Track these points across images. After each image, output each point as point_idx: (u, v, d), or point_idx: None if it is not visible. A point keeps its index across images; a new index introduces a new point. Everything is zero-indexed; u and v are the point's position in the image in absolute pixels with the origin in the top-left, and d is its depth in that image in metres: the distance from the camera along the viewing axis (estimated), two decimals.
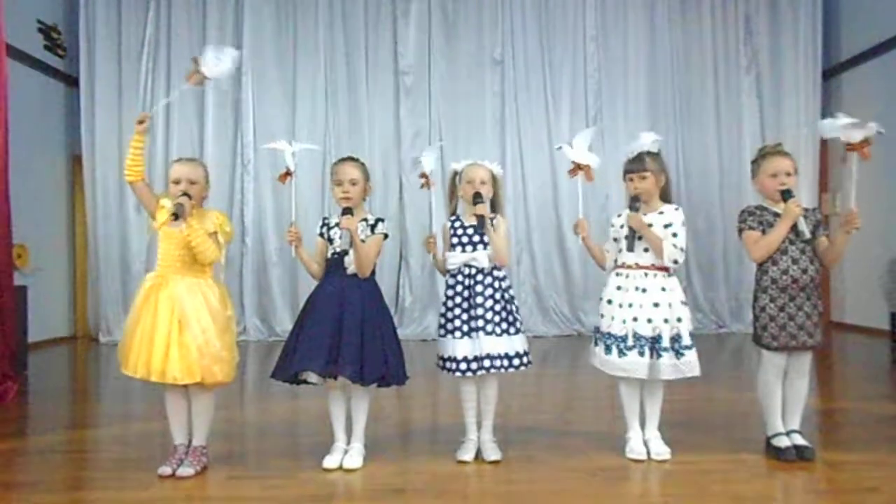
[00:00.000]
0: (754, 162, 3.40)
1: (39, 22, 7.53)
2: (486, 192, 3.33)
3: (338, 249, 3.24)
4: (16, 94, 5.56)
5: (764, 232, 3.26)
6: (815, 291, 3.27)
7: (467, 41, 8.15)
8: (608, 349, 3.30)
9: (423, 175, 3.51)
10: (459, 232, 3.37)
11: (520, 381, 4.93)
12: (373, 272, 3.30)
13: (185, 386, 3.14)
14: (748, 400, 4.11)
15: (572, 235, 7.95)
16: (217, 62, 3.19)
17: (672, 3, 8.29)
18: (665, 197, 3.39)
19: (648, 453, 3.29)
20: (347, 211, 3.18)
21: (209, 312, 3.10)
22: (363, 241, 3.19)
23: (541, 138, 8.14)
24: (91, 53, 7.93)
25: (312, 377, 3.17)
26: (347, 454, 3.26)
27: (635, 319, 3.24)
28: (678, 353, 3.23)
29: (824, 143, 8.31)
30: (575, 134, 3.59)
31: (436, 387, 4.97)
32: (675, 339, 3.24)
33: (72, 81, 8.01)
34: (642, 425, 3.38)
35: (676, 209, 3.35)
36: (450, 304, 3.32)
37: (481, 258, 3.33)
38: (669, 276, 3.32)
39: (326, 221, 3.36)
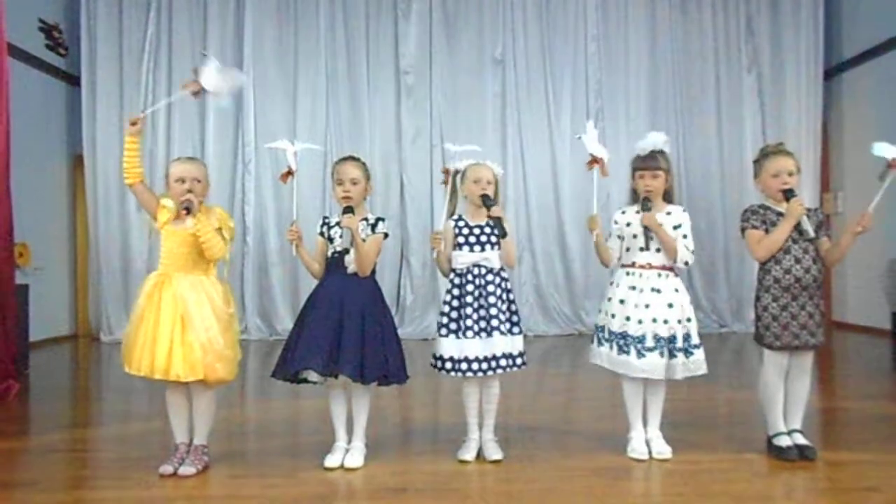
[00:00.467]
0: (756, 161, 3.40)
1: (41, 21, 7.52)
2: (492, 192, 3.32)
3: (338, 248, 3.25)
4: (17, 94, 5.56)
5: (767, 231, 3.26)
6: (818, 291, 3.27)
7: (468, 41, 8.15)
8: (623, 350, 3.28)
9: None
10: (465, 231, 3.35)
11: (521, 380, 4.93)
12: (373, 271, 3.31)
13: (187, 384, 3.14)
14: (749, 399, 4.11)
15: (573, 235, 8.13)
16: (219, 78, 3.17)
17: (673, 3, 8.29)
18: (668, 197, 3.40)
19: (650, 453, 3.30)
20: (348, 210, 3.18)
21: (212, 310, 3.10)
22: (364, 240, 3.19)
23: (541, 138, 8.12)
24: (92, 52, 7.92)
25: (313, 376, 3.17)
26: (348, 453, 3.26)
27: (654, 321, 3.23)
28: (687, 353, 3.25)
29: (825, 143, 8.32)
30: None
31: (437, 386, 4.97)
32: (686, 338, 3.26)
33: (73, 81, 8.01)
34: (644, 425, 3.38)
35: (684, 210, 3.37)
36: (456, 303, 3.30)
37: (493, 258, 3.32)
38: (676, 276, 3.34)
39: (327, 221, 3.36)
